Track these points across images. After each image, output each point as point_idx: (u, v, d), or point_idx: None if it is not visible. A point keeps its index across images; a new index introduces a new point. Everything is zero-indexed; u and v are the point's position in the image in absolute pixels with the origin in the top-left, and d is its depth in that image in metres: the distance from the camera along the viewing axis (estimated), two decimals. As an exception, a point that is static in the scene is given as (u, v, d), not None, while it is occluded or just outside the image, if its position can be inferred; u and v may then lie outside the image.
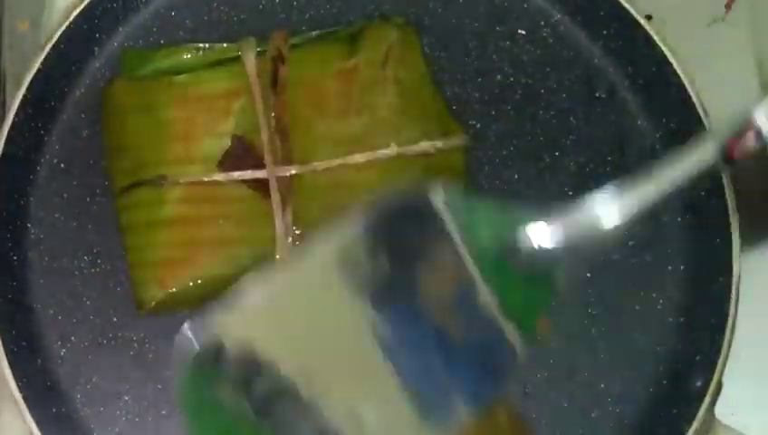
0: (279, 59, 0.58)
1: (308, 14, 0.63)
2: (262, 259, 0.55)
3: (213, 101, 0.58)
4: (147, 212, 0.57)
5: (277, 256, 0.55)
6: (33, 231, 0.59)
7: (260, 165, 0.57)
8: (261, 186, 0.56)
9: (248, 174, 0.57)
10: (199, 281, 0.55)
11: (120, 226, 0.58)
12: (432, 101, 0.59)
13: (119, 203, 0.58)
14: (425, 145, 0.57)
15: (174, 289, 0.56)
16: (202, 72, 0.59)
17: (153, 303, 0.56)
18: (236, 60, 0.59)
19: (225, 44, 0.60)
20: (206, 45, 0.60)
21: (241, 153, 0.57)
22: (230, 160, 0.57)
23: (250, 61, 0.58)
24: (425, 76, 0.59)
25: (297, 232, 0.56)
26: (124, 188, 0.58)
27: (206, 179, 0.56)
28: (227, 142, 0.57)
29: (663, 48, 0.59)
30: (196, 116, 0.57)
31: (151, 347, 0.58)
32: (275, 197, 0.56)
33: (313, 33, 0.60)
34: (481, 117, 0.61)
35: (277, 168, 0.56)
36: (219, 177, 0.56)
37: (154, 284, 0.56)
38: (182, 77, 0.59)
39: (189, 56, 0.60)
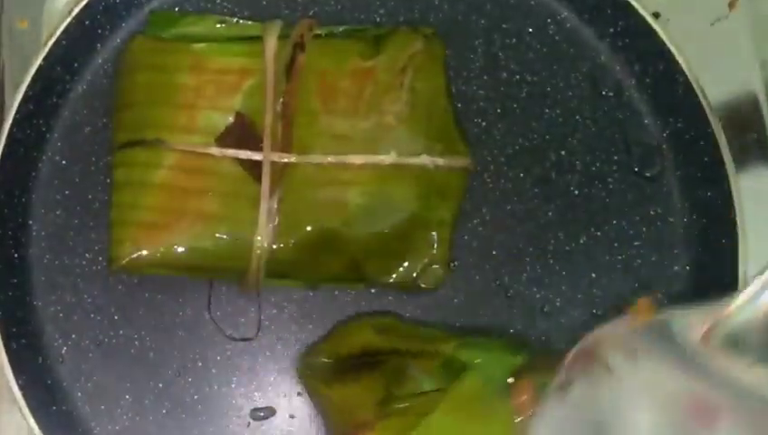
0: (299, 46, 0.58)
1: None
2: (239, 240, 0.55)
3: (225, 75, 0.57)
4: (139, 172, 0.57)
5: (257, 238, 0.55)
6: (34, 228, 0.59)
7: (257, 147, 0.56)
8: (254, 168, 0.56)
9: (244, 154, 0.56)
10: (175, 248, 0.55)
11: (112, 181, 0.58)
12: (443, 117, 0.59)
13: (116, 158, 0.58)
14: (425, 160, 0.57)
15: (147, 252, 0.55)
16: (221, 44, 0.59)
17: (124, 261, 0.56)
18: (258, 40, 0.58)
19: (250, 22, 0.60)
20: (233, 19, 0.60)
21: (241, 132, 0.57)
22: (229, 137, 0.57)
23: (270, 43, 0.58)
24: (441, 91, 0.59)
25: (278, 221, 0.56)
26: (123, 144, 0.57)
27: (200, 151, 0.56)
28: (230, 118, 0.57)
29: (670, 46, 0.58)
30: (206, 87, 0.57)
31: (152, 345, 0.58)
32: (266, 181, 0.56)
33: (340, 27, 0.60)
34: (486, 114, 0.61)
35: (274, 153, 0.56)
36: (215, 151, 0.56)
37: (130, 243, 0.56)
38: (201, 45, 0.58)
39: (215, 27, 0.60)
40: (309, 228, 0.56)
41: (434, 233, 0.58)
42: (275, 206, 0.56)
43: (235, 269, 0.56)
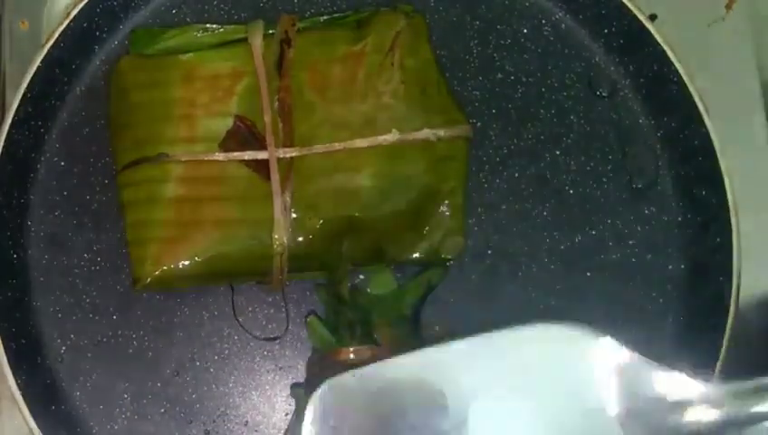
0: (285, 42, 0.58)
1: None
2: (258, 240, 0.56)
3: (218, 80, 0.58)
4: (148, 190, 0.57)
5: (275, 237, 0.55)
6: (33, 229, 0.59)
7: (262, 146, 0.56)
8: (261, 167, 0.56)
9: (249, 155, 0.56)
10: (196, 259, 0.55)
11: (120, 202, 0.58)
12: (437, 89, 0.59)
13: (120, 179, 0.58)
14: (427, 133, 0.57)
15: (170, 266, 0.55)
16: (208, 51, 0.59)
17: (149, 279, 0.56)
18: (243, 41, 0.59)
19: (232, 26, 0.60)
20: (215, 26, 0.60)
21: (243, 134, 0.57)
22: (232, 141, 0.57)
23: (257, 43, 0.58)
24: (431, 64, 0.59)
25: (294, 215, 0.56)
26: (126, 164, 0.57)
27: (206, 159, 0.56)
28: (230, 122, 0.57)
29: (664, 47, 0.58)
30: (201, 95, 0.57)
31: (151, 345, 0.58)
32: (275, 178, 0.56)
33: (321, 18, 0.61)
34: (482, 115, 0.61)
35: (278, 149, 0.56)
36: (220, 156, 0.56)
37: (151, 260, 0.56)
38: (189, 56, 0.58)
39: (197, 36, 0.60)
40: (326, 218, 0.56)
41: (446, 202, 0.58)
42: (288, 201, 0.56)
43: (258, 270, 0.57)
